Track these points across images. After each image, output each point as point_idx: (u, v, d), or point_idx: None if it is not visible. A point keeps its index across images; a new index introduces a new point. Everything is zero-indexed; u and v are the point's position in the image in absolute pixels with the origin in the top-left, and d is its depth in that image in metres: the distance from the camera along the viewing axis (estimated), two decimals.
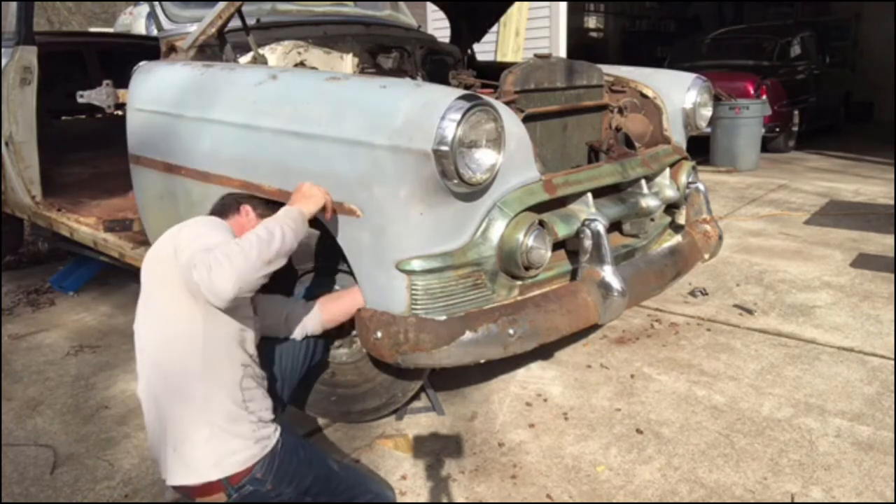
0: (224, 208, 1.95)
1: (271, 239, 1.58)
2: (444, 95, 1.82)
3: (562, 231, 2.19)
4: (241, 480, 1.61)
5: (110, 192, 3.67)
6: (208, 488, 1.60)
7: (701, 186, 2.77)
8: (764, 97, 7.79)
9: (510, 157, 1.97)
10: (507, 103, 2.21)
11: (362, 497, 1.78)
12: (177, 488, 1.66)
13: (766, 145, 8.09)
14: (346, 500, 1.75)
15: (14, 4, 3.62)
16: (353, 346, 2.30)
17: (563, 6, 7.84)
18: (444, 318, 1.92)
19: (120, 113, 2.70)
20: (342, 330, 2.24)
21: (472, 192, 1.91)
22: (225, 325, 1.64)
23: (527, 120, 2.23)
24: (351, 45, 2.94)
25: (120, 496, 2.11)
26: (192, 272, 1.49)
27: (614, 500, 2.02)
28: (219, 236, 1.62)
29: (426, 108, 1.79)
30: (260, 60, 2.54)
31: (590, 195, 2.31)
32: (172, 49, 2.72)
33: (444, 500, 2.05)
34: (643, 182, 2.57)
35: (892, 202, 5.58)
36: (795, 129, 8.80)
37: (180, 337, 1.62)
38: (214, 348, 1.63)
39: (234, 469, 1.60)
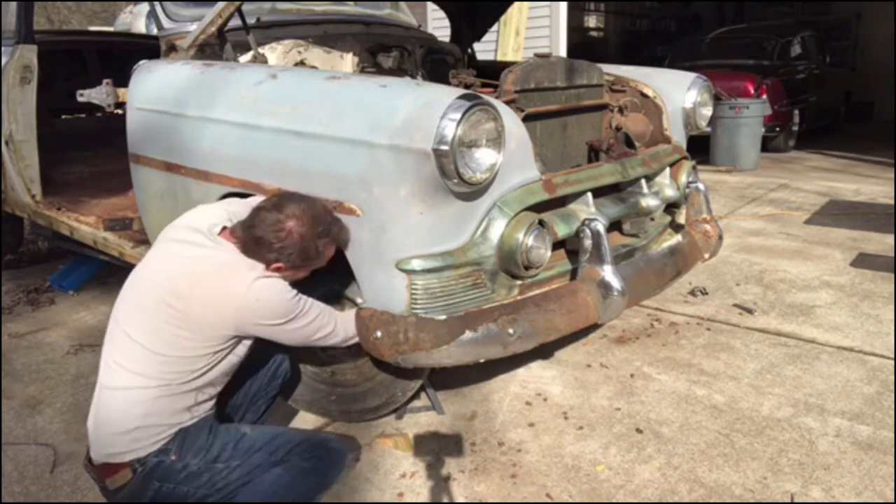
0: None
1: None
2: (444, 95, 1.82)
3: (562, 231, 2.19)
4: (147, 455, 1.67)
5: (110, 191, 3.68)
6: (120, 467, 1.66)
7: (701, 186, 2.77)
8: (764, 97, 7.79)
9: (510, 157, 1.97)
10: (507, 103, 2.21)
11: (284, 448, 1.77)
12: (93, 466, 1.72)
13: (767, 145, 8.09)
14: (261, 459, 1.74)
15: (14, 3, 3.62)
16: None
17: (564, 6, 7.84)
18: (443, 317, 1.92)
19: (120, 112, 2.71)
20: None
21: (472, 191, 1.90)
22: (230, 360, 1.79)
23: (527, 119, 2.23)
24: (351, 45, 2.94)
25: None
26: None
27: (614, 500, 2.02)
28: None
29: (426, 108, 1.79)
30: (260, 59, 2.54)
31: (590, 195, 2.31)
32: (172, 48, 2.72)
33: (444, 500, 2.05)
34: (643, 181, 2.57)
35: (892, 202, 5.58)
36: (795, 128, 8.80)
37: (193, 357, 1.71)
38: (220, 375, 1.79)
39: (148, 451, 1.67)
